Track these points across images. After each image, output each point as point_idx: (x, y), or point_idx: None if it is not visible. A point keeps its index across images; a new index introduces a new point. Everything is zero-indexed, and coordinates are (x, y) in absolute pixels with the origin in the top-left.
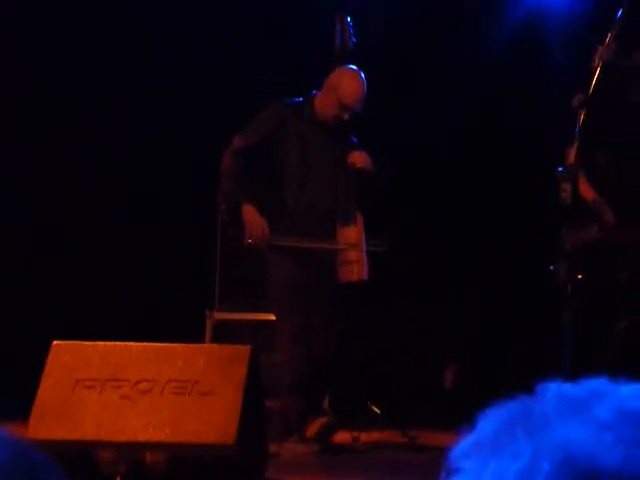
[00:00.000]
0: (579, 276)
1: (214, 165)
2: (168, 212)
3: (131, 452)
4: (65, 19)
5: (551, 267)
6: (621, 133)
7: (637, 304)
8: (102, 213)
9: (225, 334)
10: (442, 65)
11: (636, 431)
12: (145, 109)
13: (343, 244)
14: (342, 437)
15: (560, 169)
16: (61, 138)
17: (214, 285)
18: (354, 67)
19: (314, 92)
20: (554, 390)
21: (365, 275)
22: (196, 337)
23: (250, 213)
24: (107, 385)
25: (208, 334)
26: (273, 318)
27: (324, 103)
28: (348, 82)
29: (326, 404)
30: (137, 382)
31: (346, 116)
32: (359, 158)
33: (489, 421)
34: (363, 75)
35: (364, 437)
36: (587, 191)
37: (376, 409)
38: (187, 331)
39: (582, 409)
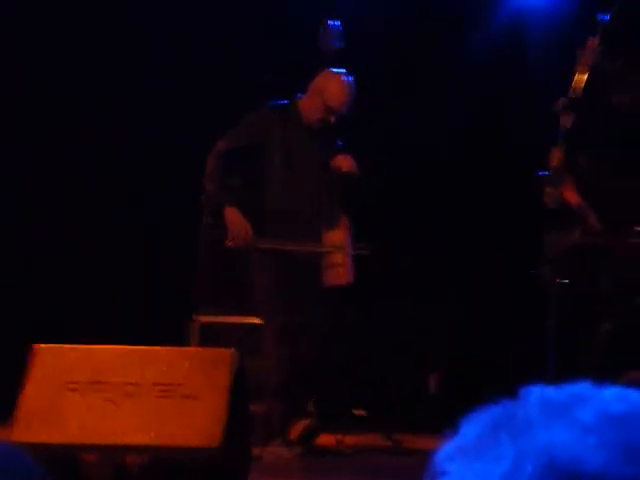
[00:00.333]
0: (563, 280)
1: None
2: (152, 214)
3: (115, 455)
4: (65, 19)
5: (532, 271)
6: (604, 136)
7: (620, 307)
8: (97, 214)
9: (210, 337)
10: (442, 65)
11: (619, 434)
12: (145, 109)
13: (328, 247)
14: (326, 440)
15: (543, 173)
16: (61, 138)
17: (199, 288)
18: (340, 70)
19: (299, 95)
20: (537, 394)
21: (350, 278)
22: (181, 340)
23: (233, 215)
24: (91, 388)
25: (193, 337)
26: (258, 321)
27: (310, 106)
28: (334, 85)
29: (310, 407)
30: (121, 385)
31: (332, 119)
32: (344, 162)
33: (473, 425)
34: (350, 78)
35: (348, 440)
36: (571, 195)
37: (360, 412)
38: (172, 334)
39: (565, 413)
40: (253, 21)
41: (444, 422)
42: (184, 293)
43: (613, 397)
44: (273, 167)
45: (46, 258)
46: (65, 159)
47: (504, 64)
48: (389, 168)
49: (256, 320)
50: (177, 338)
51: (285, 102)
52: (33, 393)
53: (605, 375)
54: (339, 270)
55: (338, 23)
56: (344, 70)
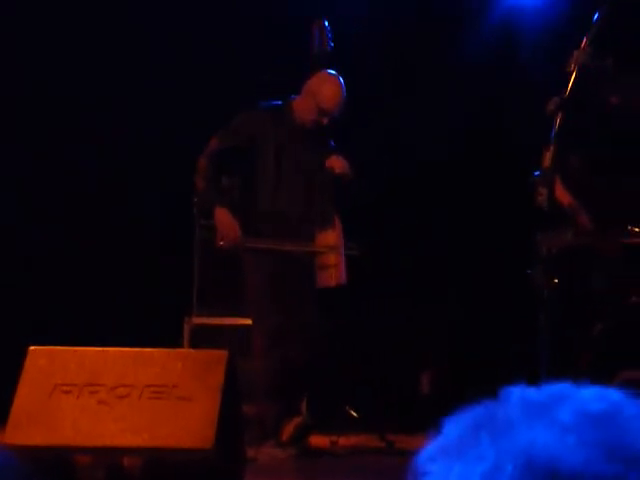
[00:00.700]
0: (555, 280)
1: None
2: (149, 214)
3: (109, 457)
4: (65, 19)
5: (528, 271)
6: (595, 136)
7: (612, 308)
8: (96, 214)
9: (203, 339)
10: (442, 65)
11: (598, 433)
12: (145, 109)
13: (321, 247)
14: (320, 441)
15: (536, 173)
16: (61, 138)
17: (192, 289)
18: (333, 72)
19: (293, 96)
20: (518, 394)
21: (343, 280)
22: (174, 342)
23: (222, 215)
24: (84, 390)
25: (186, 339)
26: (251, 323)
27: (303, 107)
28: (327, 87)
29: (303, 408)
30: (114, 387)
31: (325, 121)
32: (337, 163)
33: (455, 425)
34: (342, 80)
35: (342, 441)
36: (563, 195)
37: (353, 413)
38: (165, 336)
39: (545, 413)
40: (253, 21)
41: (437, 423)
42: (178, 294)
43: (592, 396)
44: (265, 167)
45: (46, 258)
46: (65, 159)
47: (503, 64)
48: (389, 168)
49: (248, 321)
50: (171, 340)
51: (279, 102)
52: (27, 395)
53: (598, 375)
54: (331, 271)
55: (327, 23)
56: (335, 72)
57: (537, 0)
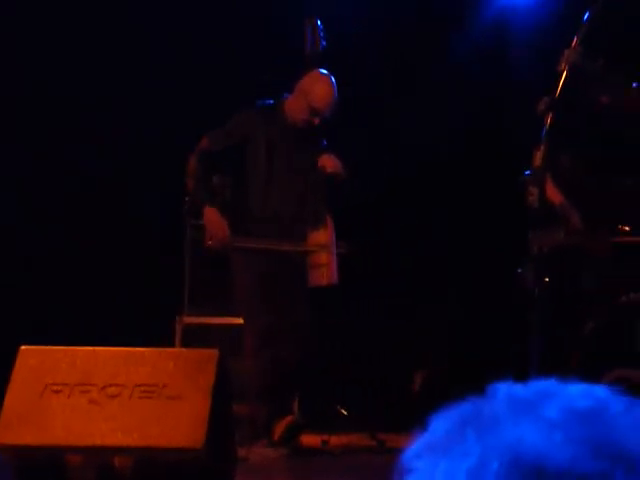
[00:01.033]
0: (546, 279)
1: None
2: (147, 214)
3: (100, 457)
4: (65, 19)
5: (519, 270)
6: (585, 136)
7: (602, 307)
8: (96, 214)
9: (194, 338)
10: (442, 65)
11: (584, 430)
12: (145, 109)
13: (312, 246)
14: (311, 440)
15: (527, 172)
16: (61, 138)
17: (183, 289)
18: (325, 71)
19: (285, 95)
20: (504, 391)
21: (335, 279)
22: (165, 341)
23: (211, 215)
24: (75, 390)
25: (177, 338)
26: (242, 322)
27: (294, 107)
28: (319, 86)
29: (295, 407)
30: (105, 386)
31: (316, 120)
32: (329, 162)
33: (441, 422)
34: (334, 80)
35: (333, 440)
36: (554, 194)
37: (344, 411)
38: (156, 335)
39: (531, 409)
40: (252, 21)
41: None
42: (170, 294)
43: (579, 393)
44: (257, 167)
45: (45, 258)
46: (65, 159)
47: (503, 64)
48: (389, 168)
49: (240, 321)
50: (162, 339)
51: (271, 102)
52: (17, 395)
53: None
54: (323, 270)
55: (320, 22)
56: (327, 71)
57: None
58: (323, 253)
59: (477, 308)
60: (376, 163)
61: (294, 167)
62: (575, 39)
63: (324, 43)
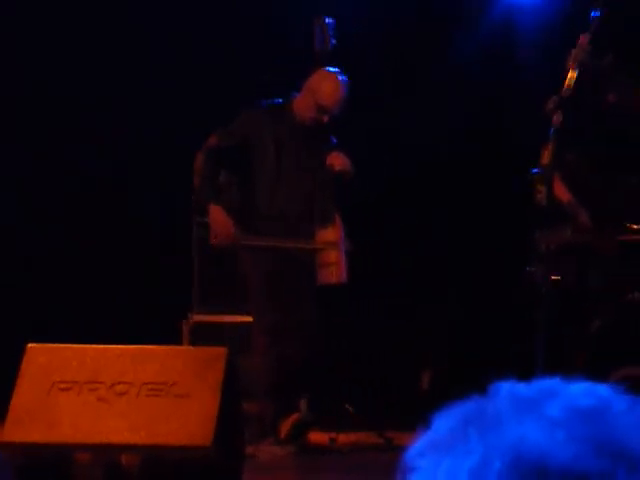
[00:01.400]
0: (554, 277)
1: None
2: (148, 213)
3: (107, 454)
4: (65, 19)
5: (527, 268)
6: (593, 134)
7: (609, 305)
8: (96, 214)
9: (203, 336)
10: (442, 65)
11: (587, 428)
12: (145, 109)
13: (321, 244)
14: (319, 438)
15: (535, 170)
16: (61, 138)
17: (192, 287)
18: (333, 69)
19: (294, 94)
20: (507, 390)
21: (344, 278)
22: (174, 339)
23: (216, 213)
24: (84, 387)
25: (186, 336)
26: (251, 320)
27: (303, 105)
28: (327, 84)
29: (303, 405)
30: (114, 384)
31: (325, 118)
32: (338, 160)
33: (444, 421)
34: (343, 77)
35: (341, 438)
36: (562, 192)
37: (350, 408)
38: (165, 334)
39: (534, 408)
40: (253, 21)
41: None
42: (178, 292)
43: (581, 392)
44: (265, 166)
45: (46, 258)
46: (65, 159)
47: (503, 64)
48: (389, 168)
49: (248, 319)
50: (171, 337)
51: (279, 101)
52: (25, 392)
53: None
54: (332, 269)
55: (330, 21)
56: (338, 69)
57: None
58: (332, 251)
59: (479, 308)
60: (376, 163)
61: (302, 166)
62: (583, 38)
63: (334, 41)
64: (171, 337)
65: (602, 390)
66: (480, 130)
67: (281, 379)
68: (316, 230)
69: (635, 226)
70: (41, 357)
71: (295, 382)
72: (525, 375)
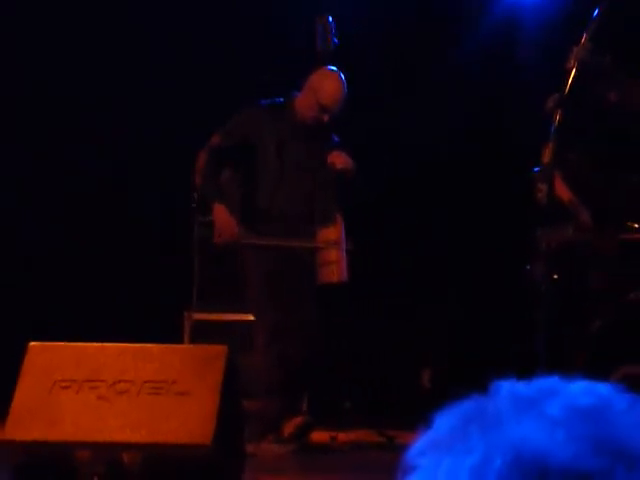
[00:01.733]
0: (554, 276)
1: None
2: (148, 212)
3: (108, 453)
4: (65, 19)
5: (527, 267)
6: (593, 133)
7: (611, 304)
8: (96, 214)
9: (203, 334)
10: (442, 65)
11: (587, 427)
12: (145, 109)
13: (322, 243)
14: (319, 437)
15: (536, 169)
16: (61, 138)
17: (192, 285)
18: (334, 68)
19: (295, 93)
20: (507, 389)
21: (345, 276)
22: (174, 338)
23: (220, 211)
24: (84, 386)
25: (186, 334)
26: (251, 318)
27: (303, 104)
28: (328, 84)
29: (304, 404)
30: (114, 383)
31: (326, 117)
32: (339, 158)
33: (445, 420)
34: (343, 77)
35: (342, 437)
36: (563, 191)
37: (350, 408)
38: (165, 332)
39: (534, 407)
40: (253, 21)
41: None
42: (178, 290)
43: (581, 391)
44: (267, 165)
45: (46, 256)
46: (65, 159)
47: (503, 63)
48: (389, 168)
49: (249, 317)
50: (171, 335)
51: (280, 100)
52: (26, 391)
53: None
54: (333, 268)
55: (331, 19)
56: (337, 68)
57: None
58: (333, 250)
59: (479, 307)
60: (376, 163)
61: (304, 165)
62: (584, 36)
63: (336, 40)
64: (171, 335)
65: (602, 389)
66: (480, 130)
67: (282, 378)
68: (317, 229)
69: (636, 225)
70: (42, 356)
71: (297, 381)
72: (525, 374)
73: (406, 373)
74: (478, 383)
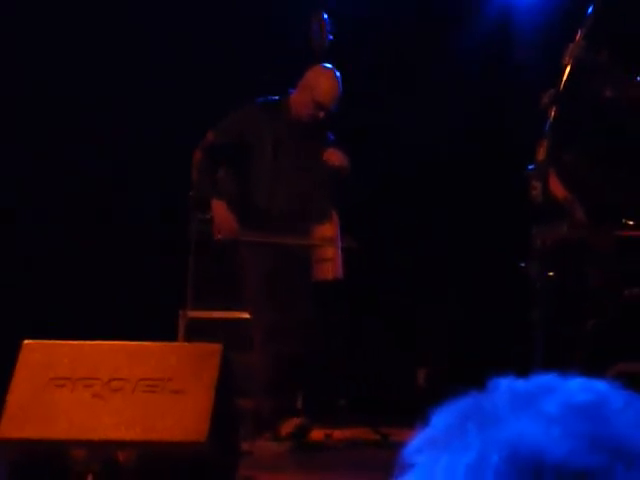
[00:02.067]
0: (550, 274)
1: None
2: (146, 211)
3: (103, 451)
4: (65, 19)
5: (522, 264)
6: (588, 129)
7: (606, 302)
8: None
9: (198, 332)
10: (442, 65)
11: (583, 424)
12: (145, 109)
13: (317, 240)
14: (315, 435)
15: (530, 167)
16: (61, 138)
17: (187, 283)
18: (329, 65)
19: (291, 90)
20: (505, 385)
21: (340, 274)
22: (169, 336)
23: (219, 208)
24: (79, 384)
25: (181, 333)
26: (247, 316)
27: (299, 102)
28: (323, 81)
29: (299, 403)
30: (109, 381)
31: (321, 115)
32: (334, 156)
33: (442, 417)
34: (338, 74)
35: (337, 434)
36: (557, 188)
37: (345, 405)
38: (160, 330)
39: (531, 404)
40: (253, 21)
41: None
42: (174, 288)
43: (578, 387)
44: (263, 163)
45: (45, 257)
46: (65, 159)
47: (503, 63)
48: (388, 167)
49: (245, 315)
50: (166, 333)
51: (276, 98)
52: (21, 389)
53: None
54: (328, 265)
55: (326, 16)
56: (332, 66)
57: None
58: (329, 247)
59: (478, 307)
60: (376, 163)
61: (300, 164)
62: (579, 33)
63: (331, 37)
64: (166, 333)
65: (599, 386)
66: (480, 130)
67: (279, 376)
68: (313, 226)
69: (631, 222)
70: (37, 353)
71: (293, 380)
72: (523, 371)
73: (401, 371)
74: (475, 381)
